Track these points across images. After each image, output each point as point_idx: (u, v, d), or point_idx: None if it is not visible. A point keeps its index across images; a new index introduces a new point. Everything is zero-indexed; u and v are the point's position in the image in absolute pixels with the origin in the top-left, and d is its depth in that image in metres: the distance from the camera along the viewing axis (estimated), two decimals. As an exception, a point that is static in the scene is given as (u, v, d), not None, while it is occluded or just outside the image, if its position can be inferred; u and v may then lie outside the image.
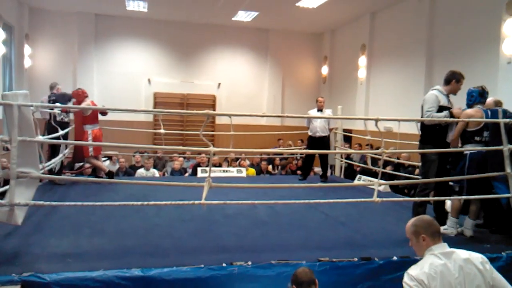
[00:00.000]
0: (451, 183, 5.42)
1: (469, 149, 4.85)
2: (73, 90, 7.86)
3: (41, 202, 3.87)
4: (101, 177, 7.46)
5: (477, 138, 4.85)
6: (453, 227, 4.93)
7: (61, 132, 6.91)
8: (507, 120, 4.81)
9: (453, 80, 5.02)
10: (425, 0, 10.19)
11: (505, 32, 7.83)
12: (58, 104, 7.10)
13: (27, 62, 12.78)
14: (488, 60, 8.40)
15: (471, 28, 8.96)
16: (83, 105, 7.38)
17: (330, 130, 8.79)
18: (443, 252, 2.64)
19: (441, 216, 5.20)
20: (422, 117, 5.08)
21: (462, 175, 4.87)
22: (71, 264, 3.53)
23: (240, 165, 10.78)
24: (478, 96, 4.94)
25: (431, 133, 5.04)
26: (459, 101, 5.35)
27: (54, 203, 4.10)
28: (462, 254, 2.64)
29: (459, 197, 4.88)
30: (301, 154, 11.08)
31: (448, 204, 5.65)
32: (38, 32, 13.34)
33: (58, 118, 7.14)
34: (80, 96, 7.54)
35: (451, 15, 9.59)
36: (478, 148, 4.83)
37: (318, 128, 8.45)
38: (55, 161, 6.89)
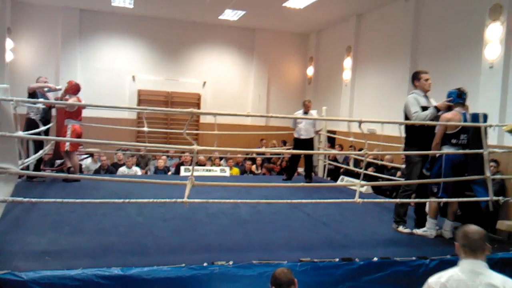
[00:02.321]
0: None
1: (450, 152, 4.90)
2: (71, 80, 7.74)
3: (20, 199, 3.80)
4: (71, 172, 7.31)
5: (453, 141, 4.91)
6: (432, 229, 4.99)
7: (41, 128, 6.80)
8: (488, 124, 4.89)
9: (414, 80, 5.20)
10: (411, 3, 10.30)
11: (487, 37, 7.96)
12: (41, 100, 6.97)
13: (8, 56, 12.54)
14: (471, 64, 8.52)
15: (455, 32, 9.09)
16: (70, 100, 7.29)
17: (316, 132, 8.82)
18: (471, 269, 2.54)
19: (421, 218, 5.27)
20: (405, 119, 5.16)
21: (439, 177, 4.94)
22: (50, 262, 3.48)
23: (227, 164, 10.77)
24: (456, 98, 5.01)
25: (416, 135, 5.12)
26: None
27: (33, 199, 4.03)
28: (493, 278, 2.50)
29: (439, 200, 4.93)
30: (282, 154, 11.15)
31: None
32: (20, 26, 13.12)
33: (31, 116, 6.97)
34: (70, 88, 7.42)
35: (436, 19, 9.71)
36: (460, 151, 4.89)
37: (303, 130, 8.49)
38: (35, 157, 6.78)
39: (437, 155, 4.96)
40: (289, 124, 9.23)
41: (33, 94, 7.07)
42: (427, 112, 4.98)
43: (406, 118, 5.19)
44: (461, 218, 5.56)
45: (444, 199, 4.92)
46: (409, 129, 5.20)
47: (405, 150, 5.29)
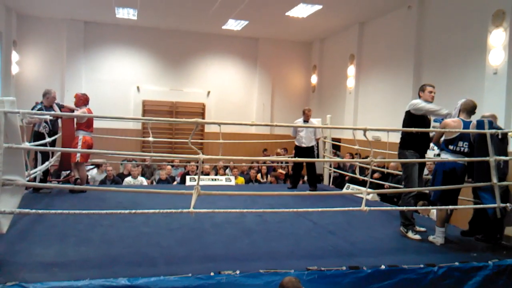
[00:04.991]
0: (427, 192, 5.54)
1: (450, 159, 4.91)
2: (77, 93, 7.79)
3: (26, 210, 3.82)
4: (78, 184, 7.30)
5: (451, 147, 4.94)
6: (440, 236, 4.97)
7: (47, 140, 6.83)
8: (493, 130, 4.87)
9: (420, 91, 5.40)
10: (414, 10, 10.34)
11: (491, 43, 7.96)
12: (48, 112, 7.00)
13: (14, 69, 12.67)
14: (475, 70, 8.52)
15: (459, 39, 9.10)
16: (80, 111, 7.33)
17: (317, 140, 8.82)
18: None
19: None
20: (403, 122, 5.35)
21: (433, 183, 5.02)
22: (57, 274, 3.48)
23: (232, 173, 10.76)
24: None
25: (412, 138, 5.22)
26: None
27: (40, 211, 4.04)
28: None
29: (445, 207, 4.91)
30: (287, 162, 11.15)
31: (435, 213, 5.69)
32: (26, 39, 13.26)
33: (40, 129, 6.99)
34: (79, 100, 7.46)
35: (439, 26, 9.72)
36: (461, 159, 4.89)
37: (304, 138, 8.51)
38: (41, 169, 6.80)
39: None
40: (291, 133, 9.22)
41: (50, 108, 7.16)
42: (435, 107, 5.17)
43: (408, 118, 5.30)
44: (470, 225, 5.51)
45: (451, 207, 4.91)
46: (405, 131, 5.29)
47: (399, 152, 5.38)
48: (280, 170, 11.89)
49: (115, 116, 11.86)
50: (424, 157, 5.42)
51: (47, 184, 7.14)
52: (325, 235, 5.25)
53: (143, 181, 9.78)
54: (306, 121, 8.58)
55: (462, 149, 4.92)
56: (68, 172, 8.37)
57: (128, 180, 9.57)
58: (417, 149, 5.24)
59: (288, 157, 11.37)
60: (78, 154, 7.18)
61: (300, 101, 15.85)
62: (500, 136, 4.89)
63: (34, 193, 7.01)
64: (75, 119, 7.45)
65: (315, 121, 8.97)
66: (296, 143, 8.66)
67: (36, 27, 13.40)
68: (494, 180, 4.77)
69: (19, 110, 3.85)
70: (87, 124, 7.34)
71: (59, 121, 7.65)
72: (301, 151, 8.55)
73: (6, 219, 3.78)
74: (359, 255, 4.37)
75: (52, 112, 7.04)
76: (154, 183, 10.56)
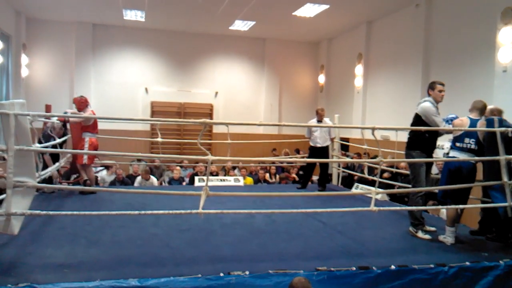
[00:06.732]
0: (436, 191, 5.52)
1: (462, 159, 4.87)
2: (75, 97, 7.84)
3: (37, 212, 3.85)
4: (87, 185, 7.34)
5: (457, 144, 4.96)
6: (450, 236, 4.93)
7: (57, 141, 6.88)
8: (503, 129, 4.81)
9: (429, 89, 5.30)
10: (421, 8, 10.28)
11: (500, 41, 7.90)
12: (56, 114, 7.06)
13: (24, 72, 12.79)
14: (484, 68, 8.45)
15: (467, 37, 9.03)
16: (85, 113, 7.37)
17: (332, 140, 8.78)
18: None
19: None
20: (412, 123, 5.28)
21: (442, 181, 5.02)
22: (68, 275, 3.50)
23: (240, 173, 10.76)
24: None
25: (419, 139, 5.20)
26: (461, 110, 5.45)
27: (51, 212, 4.07)
28: None
29: (455, 206, 4.88)
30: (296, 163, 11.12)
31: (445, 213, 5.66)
32: (35, 42, 13.39)
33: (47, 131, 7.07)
34: (82, 104, 7.50)
35: (447, 24, 9.66)
36: (474, 158, 4.86)
37: (318, 138, 8.45)
38: (51, 170, 6.84)
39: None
40: (301, 132, 9.21)
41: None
42: (446, 126, 5.10)
43: (418, 120, 5.23)
44: (480, 224, 5.47)
45: (462, 206, 4.88)
46: (414, 132, 5.26)
47: (406, 153, 5.35)
48: (292, 174, 11.84)
49: (123, 117, 11.94)
50: (431, 157, 5.37)
51: (59, 186, 7.19)
52: (335, 235, 5.23)
53: (154, 181, 9.82)
54: (319, 121, 8.52)
55: (468, 145, 4.90)
56: (77, 174, 8.43)
57: (140, 179, 9.64)
58: (424, 150, 5.21)
59: (297, 158, 11.34)
60: (85, 156, 7.22)
61: (308, 101, 15.84)
62: (510, 135, 4.82)
63: (43, 194, 7.04)
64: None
65: (328, 120, 8.91)
66: (311, 144, 8.60)
67: (45, 30, 13.53)
68: (505, 179, 4.73)
69: (29, 112, 3.89)
70: (93, 126, 7.39)
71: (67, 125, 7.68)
72: (316, 151, 8.49)
73: (18, 220, 3.82)
74: (369, 255, 4.35)
75: (59, 114, 7.06)
76: (164, 183, 10.61)
